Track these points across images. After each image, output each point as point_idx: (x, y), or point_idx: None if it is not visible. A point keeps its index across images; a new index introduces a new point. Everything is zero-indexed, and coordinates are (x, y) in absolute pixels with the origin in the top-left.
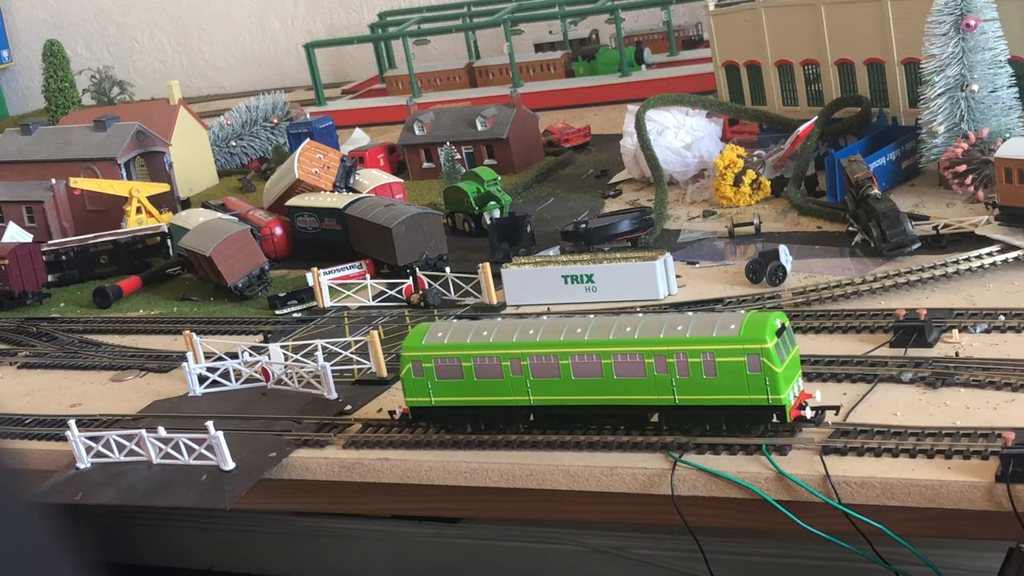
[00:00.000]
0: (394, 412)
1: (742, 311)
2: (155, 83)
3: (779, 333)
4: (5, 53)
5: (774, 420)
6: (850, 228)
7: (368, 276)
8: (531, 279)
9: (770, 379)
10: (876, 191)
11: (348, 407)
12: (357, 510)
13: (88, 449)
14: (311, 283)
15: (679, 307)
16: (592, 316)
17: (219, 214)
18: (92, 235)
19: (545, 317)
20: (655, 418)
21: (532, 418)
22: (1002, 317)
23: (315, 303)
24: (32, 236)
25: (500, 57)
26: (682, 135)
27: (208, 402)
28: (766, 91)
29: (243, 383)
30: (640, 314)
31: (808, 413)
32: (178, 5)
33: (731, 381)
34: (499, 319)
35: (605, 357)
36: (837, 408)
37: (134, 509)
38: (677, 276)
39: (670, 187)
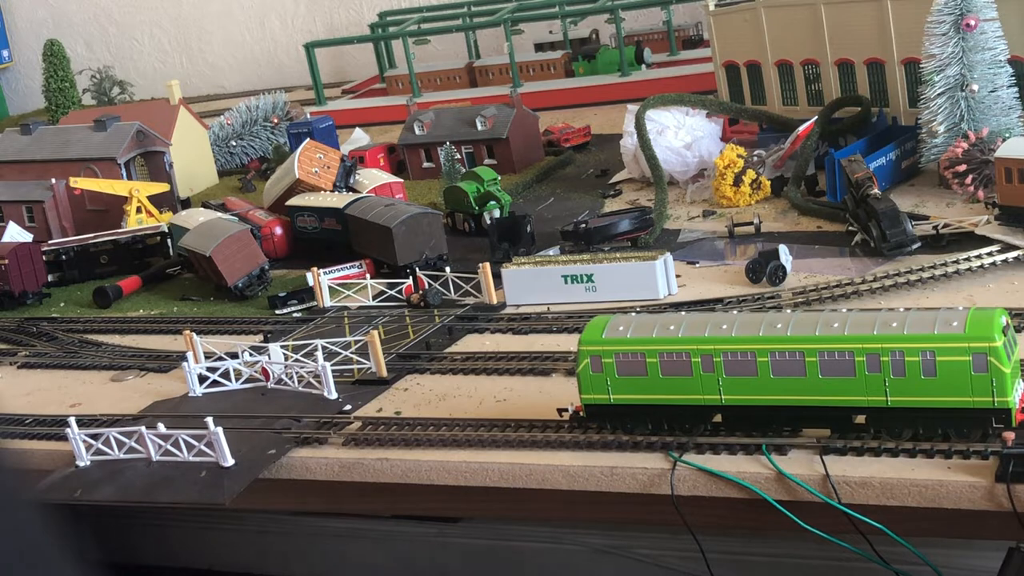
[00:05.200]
0: (565, 410)
1: (961, 307)
2: (155, 83)
3: (1004, 331)
4: (5, 53)
5: (995, 424)
6: (850, 228)
7: (368, 276)
8: (531, 279)
9: (997, 380)
10: (876, 191)
11: (348, 407)
12: (357, 510)
13: (88, 447)
14: (311, 283)
15: (679, 307)
16: (788, 311)
17: (219, 214)
18: (92, 235)
19: (736, 311)
20: (860, 420)
21: (720, 419)
22: None
23: (315, 303)
24: (32, 236)
25: (500, 57)
26: (682, 135)
27: (208, 402)
28: (766, 91)
29: (243, 383)
30: (846, 310)
31: None
32: (178, 5)
33: (953, 382)
34: (684, 312)
35: (810, 355)
36: None
37: (134, 508)
38: (677, 276)
39: (670, 187)
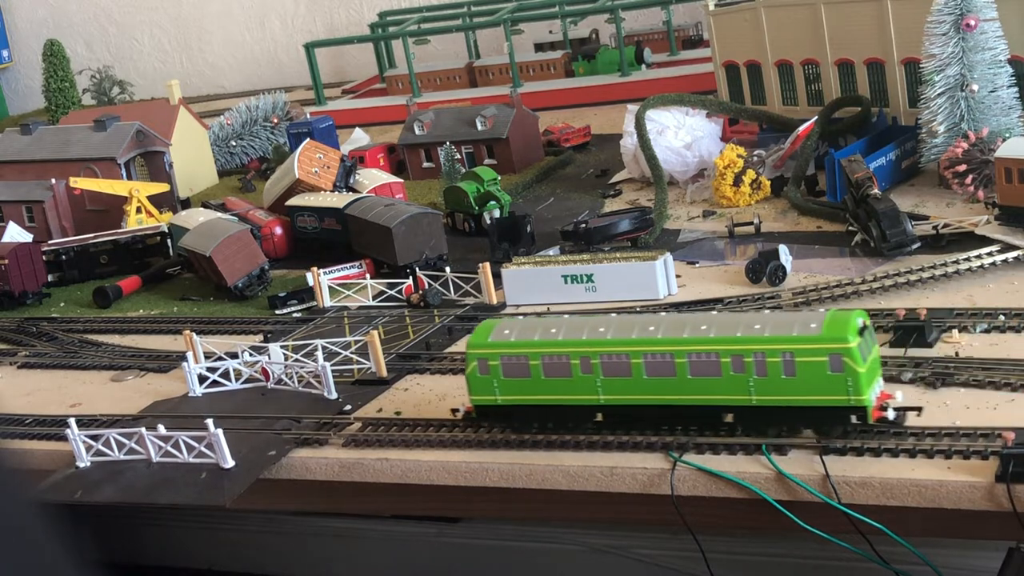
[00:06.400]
0: (457, 410)
1: (822, 309)
2: (155, 83)
3: (861, 332)
4: (5, 53)
5: (854, 421)
6: (850, 228)
7: (368, 276)
8: (531, 279)
9: (852, 379)
10: (876, 191)
11: (348, 407)
12: (357, 510)
13: (88, 448)
14: (311, 283)
15: (679, 307)
16: (664, 313)
17: (219, 214)
18: (92, 235)
19: (615, 315)
20: (729, 418)
21: (601, 418)
22: (1002, 317)
23: (315, 303)
24: (32, 236)
25: (500, 57)
26: (682, 135)
27: (208, 402)
28: (766, 91)
29: (243, 383)
30: (715, 312)
31: (891, 414)
32: (178, 5)
33: (811, 381)
34: (567, 316)
35: (679, 356)
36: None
37: (134, 508)
38: (677, 276)
39: (670, 187)
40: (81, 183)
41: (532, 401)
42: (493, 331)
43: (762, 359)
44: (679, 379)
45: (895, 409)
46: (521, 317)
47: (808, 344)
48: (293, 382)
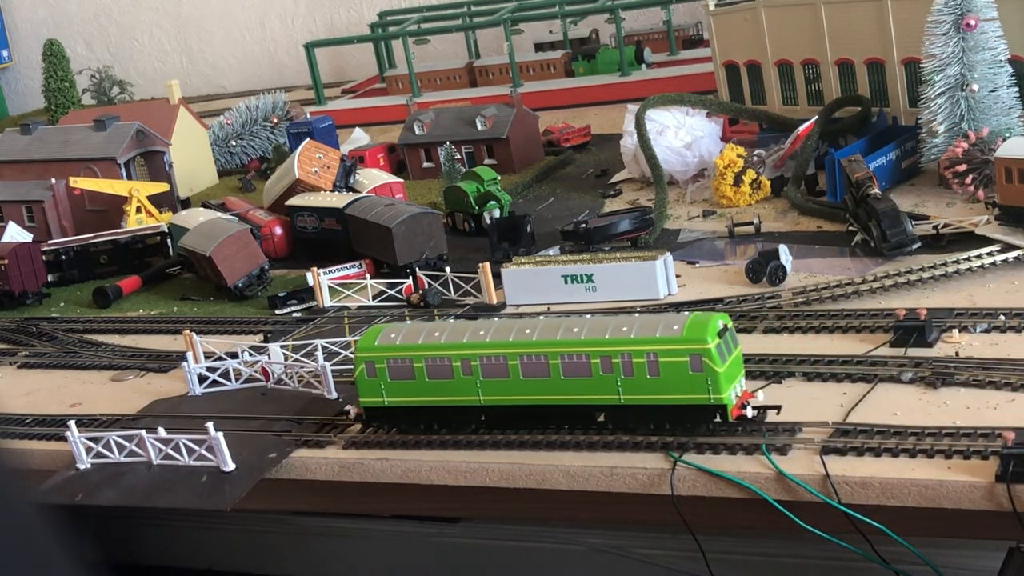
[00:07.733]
0: (348, 412)
1: (687, 312)
2: (155, 83)
3: (721, 334)
4: (5, 53)
5: (716, 419)
6: (850, 228)
7: (368, 276)
8: (531, 279)
9: (711, 379)
10: (876, 191)
11: (348, 407)
12: (357, 510)
13: (88, 449)
14: (311, 283)
15: (679, 307)
16: (542, 317)
17: (219, 214)
18: (92, 235)
19: (496, 318)
20: (601, 417)
21: (484, 418)
22: (1002, 317)
23: (315, 303)
24: (32, 236)
25: (500, 57)
26: (682, 135)
27: (208, 402)
28: (766, 91)
29: (243, 383)
30: (588, 316)
31: (749, 412)
32: (178, 5)
33: (674, 381)
34: (451, 320)
35: (552, 358)
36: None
37: (134, 509)
38: (677, 276)
39: (670, 187)
40: (81, 183)
41: (417, 403)
42: (380, 335)
43: (628, 360)
44: (553, 380)
45: (754, 408)
46: (408, 322)
47: (670, 345)
48: (293, 382)
